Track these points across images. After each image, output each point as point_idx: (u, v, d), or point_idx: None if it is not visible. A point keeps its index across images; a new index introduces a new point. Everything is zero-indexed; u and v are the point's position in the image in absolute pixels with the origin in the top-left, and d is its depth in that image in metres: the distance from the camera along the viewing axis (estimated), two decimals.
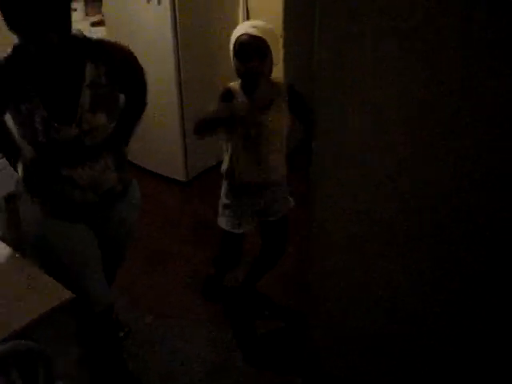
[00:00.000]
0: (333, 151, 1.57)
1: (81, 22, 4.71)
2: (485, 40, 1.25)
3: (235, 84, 2.57)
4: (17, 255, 2.11)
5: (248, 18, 4.24)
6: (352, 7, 1.38)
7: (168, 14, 3.76)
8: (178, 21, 3.79)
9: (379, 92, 1.43)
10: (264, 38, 2.39)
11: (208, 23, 4.04)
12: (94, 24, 4.59)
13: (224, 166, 2.74)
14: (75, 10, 4.64)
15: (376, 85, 1.43)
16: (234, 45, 2.45)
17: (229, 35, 4.16)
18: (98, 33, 4.44)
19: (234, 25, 4.19)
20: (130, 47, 4.09)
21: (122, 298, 3.27)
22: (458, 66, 1.30)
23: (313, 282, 1.92)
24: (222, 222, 2.83)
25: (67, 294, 1.91)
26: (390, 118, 1.45)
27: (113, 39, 4.08)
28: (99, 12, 4.67)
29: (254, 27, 2.41)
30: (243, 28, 2.45)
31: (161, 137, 4.23)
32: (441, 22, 1.28)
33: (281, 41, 2.47)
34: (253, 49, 2.40)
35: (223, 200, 2.80)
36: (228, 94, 2.54)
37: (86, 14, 4.82)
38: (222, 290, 3.32)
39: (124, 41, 4.14)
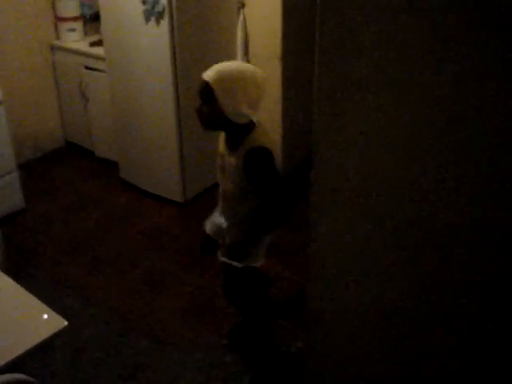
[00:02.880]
0: (331, 188, 1.55)
1: (80, 42, 4.73)
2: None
3: None
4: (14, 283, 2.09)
5: (247, 40, 4.24)
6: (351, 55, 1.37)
7: (166, 35, 3.76)
8: (176, 42, 3.79)
9: (378, 128, 1.42)
10: (211, 84, 2.32)
11: (206, 45, 4.04)
12: (92, 44, 4.60)
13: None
14: (74, 30, 4.68)
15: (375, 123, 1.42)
16: None
17: (226, 57, 4.22)
18: (97, 52, 4.46)
19: (233, 47, 4.23)
20: (128, 68, 4.16)
21: (117, 321, 3.26)
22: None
23: (309, 321, 1.89)
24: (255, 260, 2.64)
25: (62, 323, 1.89)
26: (389, 156, 1.43)
27: (111, 59, 4.14)
28: (98, 32, 4.69)
29: (209, 70, 2.38)
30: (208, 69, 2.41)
31: (159, 158, 4.22)
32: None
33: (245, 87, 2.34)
34: (199, 91, 2.40)
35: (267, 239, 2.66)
36: None
37: (85, 34, 4.83)
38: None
39: (122, 61, 4.21)
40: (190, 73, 3.95)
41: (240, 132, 2.42)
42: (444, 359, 1.63)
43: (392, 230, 1.54)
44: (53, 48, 4.86)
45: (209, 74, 2.35)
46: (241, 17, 4.18)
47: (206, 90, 2.34)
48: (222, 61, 3.88)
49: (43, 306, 1.96)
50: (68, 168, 4.94)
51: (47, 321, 1.92)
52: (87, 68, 4.62)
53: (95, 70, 4.55)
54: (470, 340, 1.56)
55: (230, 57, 4.25)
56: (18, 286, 2.09)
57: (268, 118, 4.41)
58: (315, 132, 1.55)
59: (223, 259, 2.63)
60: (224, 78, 2.33)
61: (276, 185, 2.43)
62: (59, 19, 4.75)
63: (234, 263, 2.57)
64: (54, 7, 4.76)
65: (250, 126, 2.43)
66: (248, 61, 4.31)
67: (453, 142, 1.36)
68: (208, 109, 2.38)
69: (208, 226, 2.77)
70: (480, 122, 1.30)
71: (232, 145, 2.47)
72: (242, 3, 4.16)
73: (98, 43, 4.53)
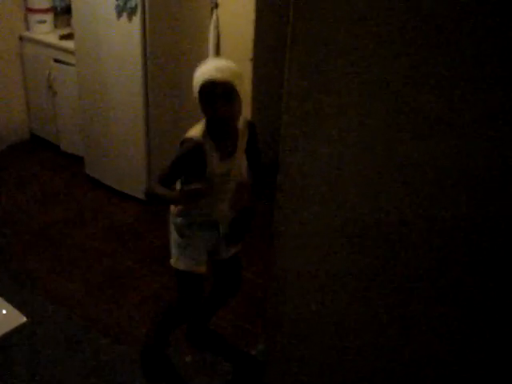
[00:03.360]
0: (298, 190, 1.55)
1: (49, 35, 4.66)
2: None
3: (198, 131, 2.45)
4: None
5: (219, 40, 4.23)
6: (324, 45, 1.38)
7: (138, 32, 3.73)
8: (147, 40, 3.77)
9: (345, 126, 1.43)
10: (231, 81, 2.34)
11: (178, 43, 4.02)
12: (62, 37, 4.54)
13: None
14: (44, 21, 4.61)
15: (342, 121, 1.43)
16: (201, 90, 2.37)
17: (198, 56, 4.21)
18: (66, 46, 4.40)
19: (205, 46, 4.22)
20: (97, 62, 4.11)
21: (77, 318, 3.23)
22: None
23: (269, 325, 1.90)
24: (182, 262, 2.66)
25: (21, 319, 1.86)
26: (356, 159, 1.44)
27: (81, 53, 4.09)
28: (68, 25, 4.63)
29: (219, 71, 2.34)
30: (208, 72, 2.35)
31: (125, 155, 4.19)
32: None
33: (245, 79, 2.44)
34: (221, 94, 2.34)
35: (178, 240, 2.65)
36: (198, 150, 2.42)
37: (55, 27, 4.77)
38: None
39: (92, 55, 4.16)
40: (161, 70, 3.93)
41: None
42: (405, 367, 1.65)
43: (356, 235, 1.55)
44: (22, 39, 4.78)
45: (227, 74, 2.34)
46: (214, 17, 4.17)
47: (232, 89, 2.35)
48: (193, 60, 3.91)
49: (1, 301, 1.93)
50: (32, 162, 4.87)
51: (5, 316, 1.89)
52: (56, 61, 4.56)
53: (64, 63, 4.50)
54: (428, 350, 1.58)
55: (202, 56, 4.23)
56: None
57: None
58: (283, 136, 1.55)
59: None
60: (239, 75, 2.40)
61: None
62: (29, 10, 4.68)
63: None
64: None
65: None
66: None
67: (421, 150, 1.37)
68: (234, 106, 2.39)
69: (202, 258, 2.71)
70: (447, 131, 1.32)
71: (234, 140, 2.53)
72: (215, 3, 4.15)
73: (69, 36, 4.47)
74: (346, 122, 1.45)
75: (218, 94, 2.33)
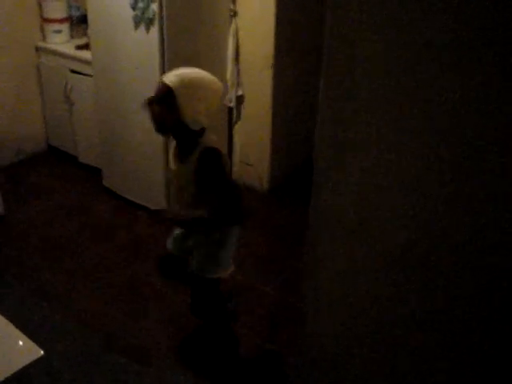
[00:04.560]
0: (330, 213, 1.47)
1: (66, 45, 4.61)
2: None
3: None
4: None
5: (238, 48, 4.15)
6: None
7: (156, 42, 3.65)
8: (165, 50, 3.68)
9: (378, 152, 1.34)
10: (173, 89, 2.33)
11: (197, 53, 3.94)
12: (78, 47, 4.47)
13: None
14: (60, 31, 4.55)
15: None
16: None
17: (217, 65, 4.13)
18: (83, 56, 4.34)
19: (224, 55, 4.14)
20: (115, 73, 4.04)
21: (96, 334, 3.16)
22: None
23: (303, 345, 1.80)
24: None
25: (38, 353, 1.78)
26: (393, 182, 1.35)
27: (97, 63, 4.03)
28: (85, 35, 4.57)
29: (172, 75, 2.38)
30: (168, 73, 2.43)
31: (143, 167, 4.11)
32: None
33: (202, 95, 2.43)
34: (158, 94, 2.38)
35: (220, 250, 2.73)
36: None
37: (72, 37, 4.71)
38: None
39: (109, 66, 4.09)
40: None
41: (192, 137, 2.47)
42: None
43: (390, 255, 1.46)
44: (38, 49, 4.73)
45: (171, 79, 2.36)
46: (232, 25, 4.09)
47: (167, 95, 2.34)
48: (213, 69, 3.83)
49: (18, 333, 1.85)
50: (50, 173, 4.82)
51: (22, 349, 1.81)
52: (73, 71, 4.49)
53: (81, 73, 4.43)
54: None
55: (221, 65, 4.16)
56: None
57: (258, 126, 4.33)
58: (316, 168, 1.45)
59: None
60: (186, 85, 2.35)
61: (225, 186, 2.53)
62: (45, 20, 4.62)
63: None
64: (40, 7, 4.63)
65: (202, 131, 2.49)
66: (238, 69, 4.22)
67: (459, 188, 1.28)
68: (165, 112, 2.38)
69: (171, 244, 2.85)
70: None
71: (184, 152, 2.51)
72: (234, 12, 4.06)
73: (85, 47, 4.41)
74: (379, 152, 1.35)
75: (155, 93, 2.41)
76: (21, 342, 1.84)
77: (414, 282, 1.45)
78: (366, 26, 1.23)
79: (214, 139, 2.55)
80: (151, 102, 2.39)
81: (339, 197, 1.45)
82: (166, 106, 2.35)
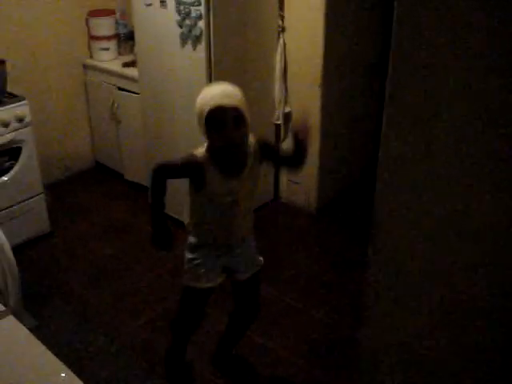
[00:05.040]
0: (392, 265, 1.35)
1: (113, 62, 4.61)
2: None
3: (202, 153, 2.43)
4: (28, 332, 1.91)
5: (286, 66, 4.06)
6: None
7: (203, 60, 3.59)
8: (213, 67, 3.62)
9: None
10: (238, 106, 2.28)
11: (244, 70, 3.87)
12: (125, 64, 4.46)
13: (190, 221, 2.64)
14: (108, 49, 4.55)
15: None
16: (209, 115, 2.29)
17: (265, 83, 4.05)
18: (130, 73, 4.32)
19: (271, 72, 4.06)
20: (161, 91, 4.00)
21: (141, 360, 3.09)
22: None
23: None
24: (188, 278, 2.66)
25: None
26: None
27: (144, 81, 4.00)
28: (132, 52, 4.56)
29: (227, 96, 2.29)
30: (216, 98, 2.29)
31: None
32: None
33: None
34: (231, 119, 2.27)
35: (189, 255, 2.64)
36: (198, 169, 2.40)
37: (119, 54, 4.70)
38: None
39: (155, 84, 4.06)
40: None
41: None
42: None
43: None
44: (85, 67, 4.74)
45: (232, 100, 2.30)
46: (280, 41, 4.01)
47: (240, 115, 2.30)
48: (259, 87, 3.75)
49: (59, 364, 1.78)
50: (96, 190, 4.81)
51: (64, 382, 1.74)
52: (119, 89, 4.48)
53: (128, 91, 4.42)
54: None
55: (268, 83, 4.08)
56: (33, 337, 1.90)
57: None
58: (376, 207, 1.34)
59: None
60: (243, 101, 2.34)
61: None
62: (93, 37, 4.63)
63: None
64: (87, 25, 4.65)
65: None
66: (286, 86, 4.14)
67: None
68: (244, 131, 2.34)
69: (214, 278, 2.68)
70: None
71: (238, 165, 2.46)
72: (282, 27, 3.99)
73: (132, 64, 4.39)
74: (441, 192, 1.24)
75: (227, 119, 2.27)
76: (63, 374, 1.77)
77: None
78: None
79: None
80: (238, 128, 2.33)
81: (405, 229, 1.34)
82: (241, 126, 2.32)
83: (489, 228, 1.17)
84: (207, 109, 2.27)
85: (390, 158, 1.28)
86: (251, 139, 2.46)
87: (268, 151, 2.55)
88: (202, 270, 2.60)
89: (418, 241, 1.30)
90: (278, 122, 4.25)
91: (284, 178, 4.49)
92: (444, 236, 1.26)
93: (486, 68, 1.08)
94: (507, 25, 1.03)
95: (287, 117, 4.23)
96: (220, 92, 2.31)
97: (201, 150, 2.43)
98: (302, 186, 4.41)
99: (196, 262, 2.61)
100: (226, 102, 2.26)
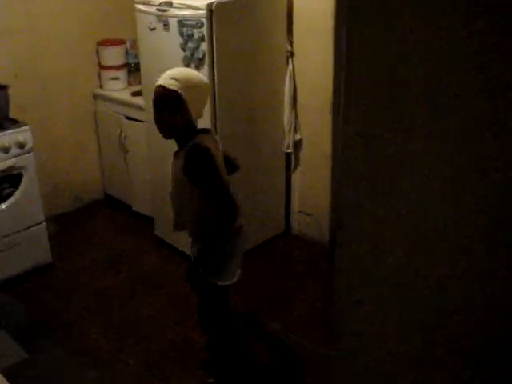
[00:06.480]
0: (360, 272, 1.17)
1: (122, 92, 4.55)
2: None
3: None
4: None
5: (295, 91, 3.94)
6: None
7: None
8: (216, 91, 3.51)
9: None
10: (179, 91, 2.34)
11: (250, 95, 3.76)
12: (134, 94, 4.39)
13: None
14: (117, 78, 4.50)
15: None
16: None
17: (272, 109, 3.91)
18: (137, 102, 4.25)
19: (279, 97, 3.92)
20: None
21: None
22: None
23: None
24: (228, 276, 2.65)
25: None
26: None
27: (150, 109, 3.90)
28: (140, 82, 4.49)
29: (169, 78, 2.38)
30: (162, 78, 2.41)
31: None
32: None
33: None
34: (163, 99, 2.37)
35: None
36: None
37: (129, 84, 4.64)
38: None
39: None
40: (231, 125, 3.66)
41: (189, 136, 2.48)
42: None
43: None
44: (95, 97, 4.69)
45: (172, 83, 2.37)
46: (289, 66, 3.89)
47: (175, 99, 2.35)
48: (267, 114, 3.65)
49: None
50: (104, 222, 4.70)
51: None
52: (128, 118, 4.40)
53: (136, 120, 4.33)
54: None
55: (276, 109, 3.95)
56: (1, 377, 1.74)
57: (317, 172, 4.05)
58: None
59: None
60: (189, 85, 2.38)
61: (217, 182, 2.49)
62: (103, 67, 4.58)
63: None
64: (98, 54, 4.60)
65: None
66: (296, 114, 4.00)
67: None
68: (175, 116, 2.40)
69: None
70: None
71: (179, 149, 2.56)
72: (290, 52, 3.87)
73: (140, 93, 4.31)
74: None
75: (160, 100, 2.42)
76: None
77: None
78: None
79: (205, 137, 2.53)
80: (161, 110, 2.39)
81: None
82: (175, 110, 2.37)
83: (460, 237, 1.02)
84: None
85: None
86: (196, 141, 2.44)
87: (188, 168, 2.50)
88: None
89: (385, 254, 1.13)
90: (289, 151, 4.09)
91: (295, 208, 4.31)
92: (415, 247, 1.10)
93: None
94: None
95: (298, 144, 4.09)
96: (170, 73, 2.45)
97: None
98: (314, 217, 4.23)
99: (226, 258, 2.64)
100: (165, 83, 2.40)
